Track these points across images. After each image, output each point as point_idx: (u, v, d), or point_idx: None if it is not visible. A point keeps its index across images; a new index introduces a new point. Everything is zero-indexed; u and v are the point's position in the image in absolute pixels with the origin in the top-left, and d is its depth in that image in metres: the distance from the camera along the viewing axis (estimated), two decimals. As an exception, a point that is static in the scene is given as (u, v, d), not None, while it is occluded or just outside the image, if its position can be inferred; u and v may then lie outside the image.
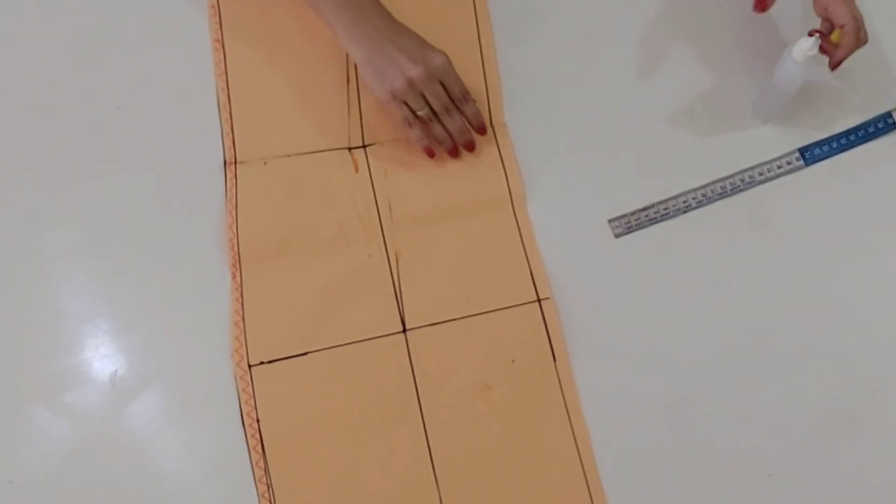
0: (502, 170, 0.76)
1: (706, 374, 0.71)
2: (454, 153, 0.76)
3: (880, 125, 0.78)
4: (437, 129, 0.75)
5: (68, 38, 0.79)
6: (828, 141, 0.77)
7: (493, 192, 0.76)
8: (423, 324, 0.72)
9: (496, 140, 0.77)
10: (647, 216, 0.75)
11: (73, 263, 0.72)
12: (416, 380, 0.70)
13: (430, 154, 0.76)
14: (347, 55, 0.78)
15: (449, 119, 0.75)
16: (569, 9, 0.82)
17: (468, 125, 0.76)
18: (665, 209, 0.75)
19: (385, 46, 0.72)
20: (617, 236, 0.75)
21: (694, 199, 0.76)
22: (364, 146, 0.77)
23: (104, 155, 0.75)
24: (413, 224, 0.75)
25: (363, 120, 0.78)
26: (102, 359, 0.70)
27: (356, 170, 0.76)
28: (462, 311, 0.72)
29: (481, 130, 0.77)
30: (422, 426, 0.69)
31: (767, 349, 0.72)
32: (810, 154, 0.77)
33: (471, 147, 0.76)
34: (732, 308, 0.73)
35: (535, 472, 0.69)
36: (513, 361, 0.71)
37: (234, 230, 0.73)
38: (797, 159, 0.77)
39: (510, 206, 0.76)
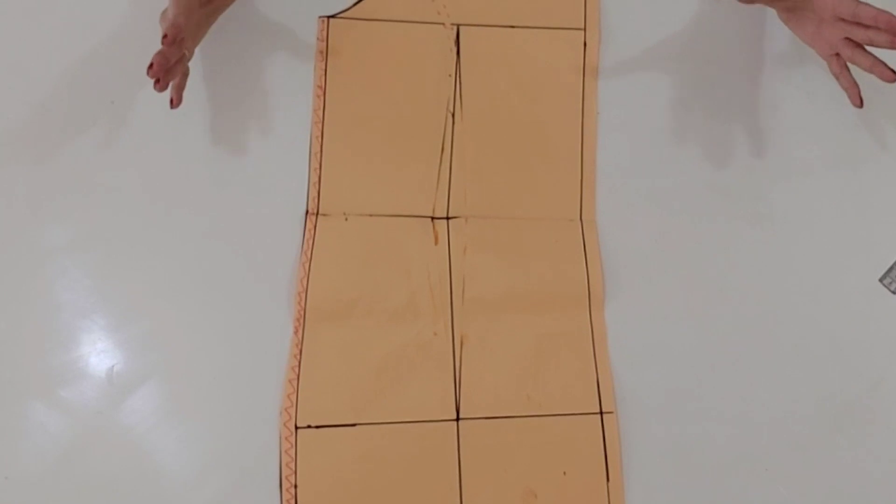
0: (584, 268, 0.73)
1: (702, 368, 0.71)
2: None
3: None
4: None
5: (70, 31, 0.78)
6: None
7: (571, 289, 0.72)
8: (478, 415, 0.69)
9: (583, 236, 0.75)
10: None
11: (71, 258, 0.71)
12: (462, 473, 0.68)
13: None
14: (447, 121, 0.76)
15: None
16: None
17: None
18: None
19: None
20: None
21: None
22: (448, 218, 0.74)
23: (102, 149, 0.75)
24: (484, 309, 0.72)
25: (451, 191, 0.75)
26: (99, 354, 0.69)
27: (436, 241, 0.73)
28: (520, 409, 0.69)
29: None
30: None
31: (765, 343, 0.72)
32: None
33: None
34: (731, 302, 0.73)
35: None
36: (564, 473, 0.68)
37: (305, 284, 0.71)
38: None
39: (587, 308, 0.72)
